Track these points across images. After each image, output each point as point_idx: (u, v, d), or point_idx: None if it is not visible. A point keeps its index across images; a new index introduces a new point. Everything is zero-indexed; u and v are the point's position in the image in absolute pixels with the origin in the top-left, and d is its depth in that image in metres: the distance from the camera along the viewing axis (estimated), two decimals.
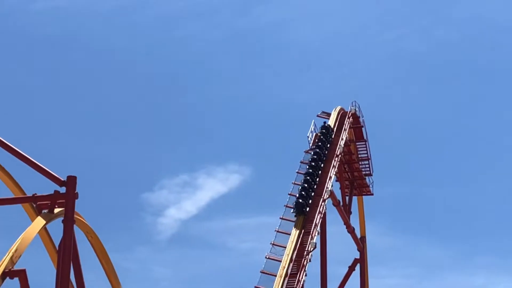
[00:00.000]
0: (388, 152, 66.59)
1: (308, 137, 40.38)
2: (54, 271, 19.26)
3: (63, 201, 19.37)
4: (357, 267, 42.38)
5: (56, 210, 19.60)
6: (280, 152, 66.97)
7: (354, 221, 42.78)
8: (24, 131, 62.43)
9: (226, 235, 67.79)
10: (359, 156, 44.58)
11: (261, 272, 32.17)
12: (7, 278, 17.84)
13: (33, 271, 18.51)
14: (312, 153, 39.17)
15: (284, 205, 35.76)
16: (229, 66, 76.92)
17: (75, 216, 19.56)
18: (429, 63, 78.18)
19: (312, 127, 40.92)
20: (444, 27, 77.91)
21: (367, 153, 44.52)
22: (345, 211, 41.10)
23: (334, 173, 38.64)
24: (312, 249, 33.33)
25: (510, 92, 76.55)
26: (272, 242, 33.64)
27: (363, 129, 44.57)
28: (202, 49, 76.98)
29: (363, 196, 44.78)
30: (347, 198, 42.40)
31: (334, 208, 39.82)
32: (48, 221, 19.40)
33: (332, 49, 79.37)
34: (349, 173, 43.85)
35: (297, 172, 37.80)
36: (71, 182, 19.43)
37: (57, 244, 19.53)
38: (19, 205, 20.48)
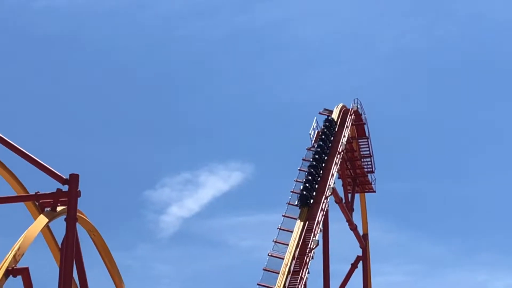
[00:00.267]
0: (390, 149, 66.68)
1: (310, 134, 40.43)
2: (57, 269, 19.29)
3: (66, 199, 19.39)
4: (360, 265, 42.39)
5: (59, 208, 19.61)
6: (282, 150, 67.00)
7: (357, 218, 42.86)
8: (26, 130, 62.55)
9: (228, 233, 67.90)
10: (361, 153, 44.57)
11: (263, 269, 32.20)
12: (10, 276, 17.86)
13: (36, 269, 18.54)
14: (316, 145, 39.27)
15: (287, 203, 35.80)
16: (231, 65, 77.03)
17: (78, 214, 19.58)
18: (431, 60, 78.22)
19: (314, 124, 40.96)
20: (445, 24, 77.97)
21: (369, 150, 44.51)
22: (347, 208, 41.11)
23: (336, 170, 38.65)
24: (314, 246, 33.35)
25: (511, 90, 76.60)
26: (275, 240, 33.66)
27: (365, 126, 44.56)
28: (203, 48, 77.04)
29: (366, 193, 44.75)
30: (349, 195, 42.42)
31: (337, 205, 39.82)
32: (50, 219, 19.42)
33: (333, 47, 79.42)
34: (351, 170, 43.86)
35: (299, 170, 37.83)
36: (73, 180, 19.44)
37: (59, 242, 19.54)
38: (22, 203, 20.50)
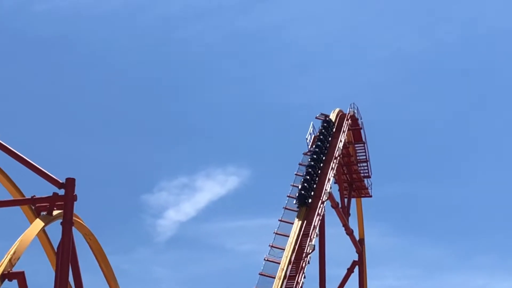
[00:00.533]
0: (386, 154, 66.67)
1: (307, 139, 40.38)
2: (52, 274, 19.27)
3: (62, 203, 19.39)
4: (356, 269, 42.38)
5: (55, 212, 19.61)
6: (279, 154, 67.02)
7: (353, 223, 42.85)
8: (22, 133, 62.50)
9: (224, 237, 67.86)
10: (358, 158, 44.58)
11: (259, 274, 32.16)
12: (6, 280, 17.84)
13: (32, 273, 18.53)
14: (314, 146, 39.34)
15: (283, 207, 35.78)
16: (228, 67, 76.98)
17: (74, 218, 19.56)
18: (428, 64, 78.37)
19: (310, 129, 40.92)
20: (443, 27, 78.03)
21: (365, 155, 44.52)
22: (343, 213, 41.11)
23: (333, 175, 38.64)
24: (310, 251, 33.33)
25: (509, 93, 76.68)
26: (271, 244, 33.64)
27: (361, 131, 44.58)
28: (201, 50, 77.09)
29: (362, 198, 44.78)
30: (345, 200, 42.40)
31: (333, 210, 39.81)
32: (46, 223, 19.41)
33: (331, 50, 79.48)
34: (347, 175, 43.87)
35: (296, 174, 37.80)
36: (70, 184, 19.44)
37: (55, 246, 19.54)
38: (18, 207, 20.49)
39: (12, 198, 20.36)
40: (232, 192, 67.96)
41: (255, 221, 63.95)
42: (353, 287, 42.14)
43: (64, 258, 18.89)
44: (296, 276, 32.32)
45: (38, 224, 19.20)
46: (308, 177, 37.00)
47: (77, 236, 20.16)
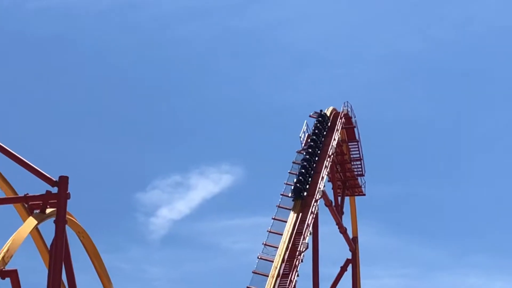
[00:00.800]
0: (380, 152, 66.68)
1: (300, 137, 40.40)
2: (45, 272, 19.24)
3: (55, 201, 19.36)
4: (349, 268, 42.43)
5: (48, 210, 19.60)
6: (273, 153, 67.12)
7: (346, 221, 42.90)
8: (16, 131, 62.40)
9: (218, 236, 67.88)
10: (351, 156, 44.63)
11: (253, 272, 32.20)
12: None
13: (25, 272, 18.51)
14: (309, 140, 39.44)
15: (277, 205, 35.82)
16: (222, 66, 77.02)
17: (67, 216, 19.55)
18: (423, 63, 78.43)
19: (304, 127, 40.95)
20: (439, 27, 78.14)
21: (359, 154, 44.58)
22: (337, 211, 41.15)
23: (326, 173, 38.70)
24: (304, 249, 33.37)
25: (504, 92, 76.82)
26: (264, 243, 33.67)
27: (355, 129, 44.63)
28: (195, 49, 77.12)
29: (355, 197, 44.84)
30: (339, 198, 42.43)
31: (326, 208, 39.88)
32: (40, 221, 19.40)
33: (325, 49, 79.50)
34: (341, 174, 43.92)
35: (289, 173, 37.84)
36: (63, 182, 19.42)
37: (48, 244, 19.52)
38: (11, 205, 20.46)
39: (5, 196, 20.32)
40: (225, 191, 68.03)
41: (249, 219, 64.04)
42: (346, 285, 42.26)
43: (57, 256, 18.87)
44: (289, 274, 32.35)
45: (31, 222, 19.19)
46: (303, 170, 37.14)
47: (70, 234, 20.18)
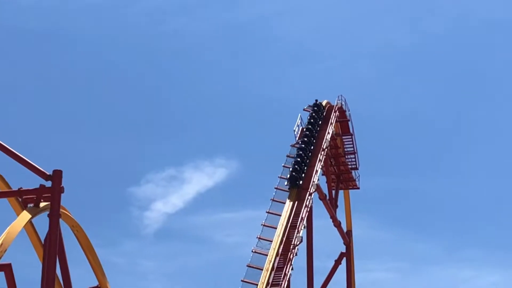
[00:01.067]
0: (374, 146, 66.67)
1: (294, 131, 40.44)
2: (40, 265, 19.24)
3: (49, 195, 19.35)
4: (344, 261, 42.48)
5: (42, 204, 19.57)
6: (267, 146, 67.09)
7: (340, 215, 42.92)
8: (9, 125, 62.26)
9: (212, 229, 67.91)
10: (345, 150, 44.64)
11: (247, 266, 32.28)
12: None
13: (19, 266, 18.51)
14: (305, 129, 39.56)
15: (271, 199, 35.88)
16: (216, 60, 76.89)
17: (61, 210, 19.53)
18: (416, 56, 78.47)
19: (298, 121, 40.98)
20: (432, 20, 78.11)
21: (353, 147, 44.59)
22: (331, 205, 41.18)
23: (321, 167, 38.73)
24: (298, 243, 33.42)
25: (498, 86, 76.89)
26: (259, 236, 33.72)
27: (349, 123, 44.64)
28: (189, 43, 76.98)
29: (349, 190, 44.87)
30: (333, 192, 42.44)
31: (321, 202, 39.91)
32: (33, 215, 19.38)
33: (318, 42, 79.42)
34: (335, 167, 43.92)
35: (283, 166, 37.89)
36: (56, 176, 19.41)
37: (42, 238, 19.50)
38: (5, 199, 20.42)
39: None
40: (220, 184, 67.99)
41: (243, 213, 64.04)
42: (340, 278, 42.33)
43: (51, 250, 18.86)
44: (283, 267, 32.41)
45: (25, 216, 19.16)
46: (299, 159, 37.25)
47: (64, 228, 20.15)
